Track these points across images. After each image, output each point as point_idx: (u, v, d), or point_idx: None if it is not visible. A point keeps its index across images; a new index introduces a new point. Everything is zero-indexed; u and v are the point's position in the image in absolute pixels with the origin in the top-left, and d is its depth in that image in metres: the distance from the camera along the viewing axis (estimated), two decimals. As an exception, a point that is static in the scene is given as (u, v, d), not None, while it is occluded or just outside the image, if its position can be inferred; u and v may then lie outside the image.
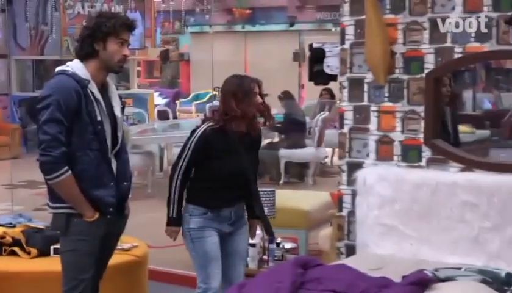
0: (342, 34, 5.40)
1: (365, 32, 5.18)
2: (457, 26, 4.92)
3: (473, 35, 4.88)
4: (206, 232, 4.75)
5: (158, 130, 12.57)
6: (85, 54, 4.17)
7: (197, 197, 4.73)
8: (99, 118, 4.11)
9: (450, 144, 5.14)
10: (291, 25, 20.75)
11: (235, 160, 4.71)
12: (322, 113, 12.33)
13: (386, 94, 5.23)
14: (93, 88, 4.11)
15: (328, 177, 12.29)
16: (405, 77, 5.15)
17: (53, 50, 15.09)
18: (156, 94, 19.05)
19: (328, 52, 13.53)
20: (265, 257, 5.57)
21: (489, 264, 4.58)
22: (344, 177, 5.43)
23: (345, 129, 5.41)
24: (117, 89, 4.43)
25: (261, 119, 4.88)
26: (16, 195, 9.91)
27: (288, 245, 6.04)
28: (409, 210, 4.93)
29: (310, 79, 14.93)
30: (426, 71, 5.06)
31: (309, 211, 6.82)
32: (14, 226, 5.83)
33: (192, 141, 4.69)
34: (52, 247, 5.48)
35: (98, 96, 4.13)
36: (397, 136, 5.20)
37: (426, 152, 5.10)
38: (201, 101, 19.41)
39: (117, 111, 4.26)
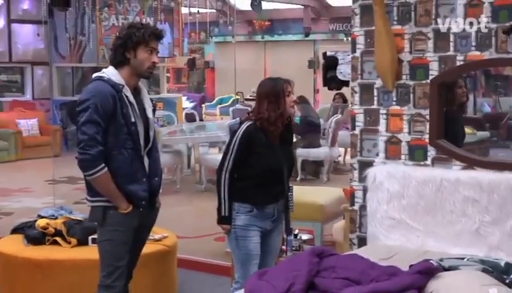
0: (353, 43, 5.38)
1: (374, 42, 5.16)
2: (459, 36, 4.90)
3: (473, 44, 4.85)
4: (251, 232, 4.65)
5: (186, 131, 12.58)
6: (118, 61, 4.19)
7: (243, 195, 4.62)
8: (132, 120, 4.12)
9: (460, 143, 5.13)
10: (307, 35, 20.72)
11: (274, 156, 4.65)
12: (335, 115, 12.30)
13: (394, 99, 5.21)
14: (127, 92, 4.13)
15: (341, 175, 12.26)
16: (411, 82, 5.12)
17: (91, 58, 15.16)
18: (184, 98, 19.08)
19: (341, 60, 13.53)
20: (284, 247, 5.55)
21: (490, 255, 4.55)
22: (356, 174, 5.41)
23: (357, 130, 5.40)
24: (148, 93, 4.44)
25: None
26: (58, 190, 9.97)
27: (304, 236, 6.02)
28: (416, 205, 4.91)
29: (324, 85, 14.91)
30: (430, 77, 5.03)
31: (324, 205, 6.81)
32: (56, 218, 5.86)
33: (236, 139, 4.58)
34: (90, 237, 5.51)
35: (132, 99, 4.15)
36: (404, 137, 5.17)
37: (431, 152, 5.07)
38: (225, 104, 19.40)
39: (149, 113, 4.28)
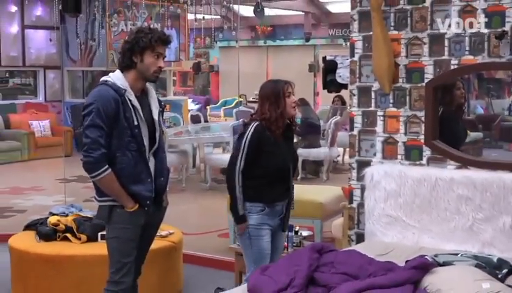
0: (352, 48, 5.37)
1: (372, 46, 5.15)
2: (453, 41, 4.89)
3: (467, 48, 4.84)
4: (263, 231, 4.61)
5: (191, 132, 12.57)
6: (125, 65, 4.16)
7: (255, 194, 4.56)
8: (135, 123, 4.09)
9: (462, 142, 5.16)
10: (307, 40, 20.70)
11: (281, 154, 4.63)
12: (334, 117, 12.28)
13: (391, 101, 5.20)
14: (130, 95, 4.10)
15: (340, 174, 12.25)
16: (407, 85, 5.11)
17: (100, 62, 15.15)
18: (189, 100, 19.06)
19: (340, 64, 13.49)
20: (285, 243, 5.53)
21: (483, 251, 4.55)
22: (354, 173, 5.40)
23: (355, 131, 5.39)
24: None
25: None
26: (69, 188, 9.97)
27: (305, 233, 6.01)
28: (412, 203, 4.90)
29: (324, 87, 14.85)
30: (426, 80, 5.02)
31: (324, 203, 6.79)
32: (66, 215, 5.86)
33: (246, 140, 4.53)
34: (99, 234, 5.51)
35: (135, 102, 4.11)
36: (401, 137, 5.16)
37: (427, 152, 5.06)
38: (228, 106, 19.40)
39: (155, 114, 4.25)
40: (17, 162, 14.13)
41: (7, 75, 16.23)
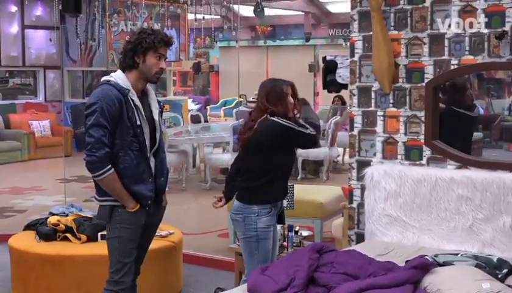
0: (352, 48, 5.38)
1: (372, 46, 5.15)
2: (453, 41, 4.89)
3: (467, 48, 4.84)
4: (270, 232, 4.60)
5: (191, 132, 12.56)
6: (126, 65, 4.16)
7: (263, 195, 4.52)
8: (138, 123, 4.10)
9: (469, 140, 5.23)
10: (307, 40, 20.69)
11: (292, 149, 4.67)
12: (334, 117, 12.27)
13: (391, 101, 5.20)
14: (133, 96, 4.10)
15: (340, 174, 12.26)
16: (407, 85, 5.12)
17: (100, 62, 15.15)
18: (189, 100, 19.04)
19: (340, 64, 13.47)
20: (285, 243, 5.54)
21: (483, 251, 4.55)
22: (354, 173, 5.40)
23: (355, 131, 5.39)
24: (155, 96, 4.41)
25: None
26: (69, 188, 9.97)
27: (305, 233, 6.01)
28: (412, 203, 4.90)
29: (324, 87, 14.84)
30: (426, 80, 5.03)
31: (324, 203, 6.79)
32: (66, 215, 5.87)
33: (286, 123, 4.51)
34: (99, 234, 5.51)
35: (137, 102, 4.12)
36: (401, 137, 5.16)
37: (427, 152, 5.06)
38: (228, 106, 19.39)
39: (155, 115, 4.25)
40: (17, 162, 14.13)
41: (7, 76, 16.23)
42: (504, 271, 3.99)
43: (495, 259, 4.13)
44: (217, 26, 15.13)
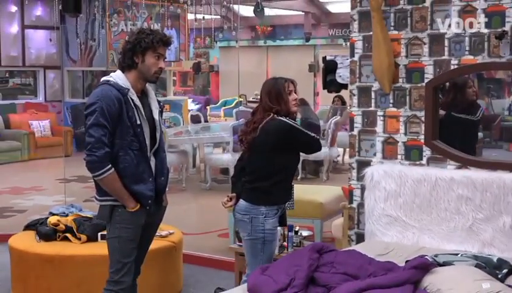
0: (352, 48, 5.37)
1: (372, 46, 5.15)
2: (453, 41, 4.89)
3: (467, 48, 4.84)
4: (276, 234, 4.61)
5: (191, 132, 12.57)
6: (126, 65, 4.16)
7: (271, 197, 4.51)
8: (138, 122, 4.10)
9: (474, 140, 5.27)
10: (307, 40, 20.69)
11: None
12: (334, 117, 12.28)
13: (391, 101, 5.20)
14: (133, 95, 4.11)
15: (340, 174, 12.26)
16: (407, 85, 5.12)
17: (100, 62, 15.14)
18: (189, 100, 19.04)
19: (340, 64, 13.45)
20: (285, 243, 5.54)
21: (483, 251, 4.55)
22: (354, 173, 5.40)
23: (355, 131, 5.39)
24: (155, 96, 4.41)
25: None
26: (69, 188, 9.97)
27: (305, 233, 6.00)
28: (412, 203, 4.90)
29: (324, 88, 14.82)
30: (426, 80, 5.03)
31: (324, 203, 6.79)
32: (66, 215, 5.86)
33: (297, 125, 4.52)
34: (99, 234, 5.51)
35: (137, 102, 4.12)
36: (401, 137, 5.16)
37: (427, 152, 5.06)
38: (228, 106, 19.38)
39: (155, 114, 4.26)
40: (17, 162, 14.13)
41: (7, 76, 16.23)
42: (504, 271, 3.99)
43: (495, 259, 4.13)
44: (217, 26, 15.13)
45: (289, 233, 5.53)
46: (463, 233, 4.69)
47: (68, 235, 5.59)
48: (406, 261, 3.99)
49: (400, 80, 5.14)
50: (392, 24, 5.14)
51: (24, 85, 16.50)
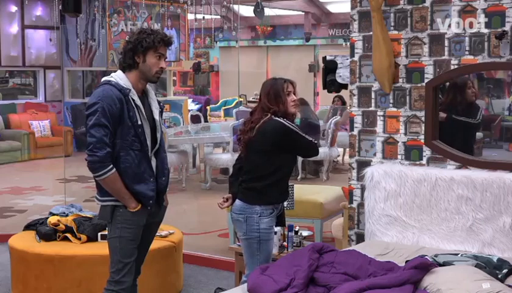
0: (352, 48, 5.38)
1: (372, 46, 5.15)
2: (453, 41, 4.89)
3: (467, 48, 4.84)
4: (272, 233, 4.59)
5: (191, 132, 12.57)
6: (127, 65, 4.16)
7: (266, 196, 4.50)
8: (139, 122, 4.10)
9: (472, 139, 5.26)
10: (307, 40, 20.69)
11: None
12: (334, 117, 12.28)
13: (391, 101, 5.20)
14: (134, 95, 4.11)
15: (340, 174, 12.26)
16: (408, 85, 5.12)
17: (100, 62, 15.15)
18: (189, 100, 19.05)
19: (340, 64, 13.45)
20: (285, 243, 5.54)
21: (483, 251, 4.55)
22: (354, 173, 5.40)
23: (355, 131, 5.39)
24: (155, 96, 4.41)
25: None
26: (69, 188, 9.97)
27: (305, 233, 6.01)
28: (412, 203, 4.90)
29: (324, 87, 14.83)
30: (426, 80, 5.03)
31: (324, 203, 6.79)
32: (66, 215, 5.87)
33: (295, 128, 4.49)
34: (99, 234, 5.51)
35: (138, 102, 4.12)
36: (401, 138, 5.17)
37: (427, 152, 5.06)
38: (229, 106, 19.40)
39: (156, 115, 4.26)
40: (17, 162, 14.14)
41: (7, 76, 16.24)
42: (504, 271, 3.99)
43: (495, 259, 4.13)
44: (217, 26, 15.15)
45: (289, 233, 5.54)
46: (463, 233, 4.70)
47: (68, 235, 5.60)
48: (406, 261, 3.99)
49: (400, 80, 5.14)
50: (392, 24, 5.14)
51: (24, 85, 16.51)
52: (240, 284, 4.76)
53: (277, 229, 5.22)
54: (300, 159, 11.35)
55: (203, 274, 6.53)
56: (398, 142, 5.18)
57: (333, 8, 20.69)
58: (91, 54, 15.51)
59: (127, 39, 4.27)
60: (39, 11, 15.82)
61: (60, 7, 11.34)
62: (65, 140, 14.19)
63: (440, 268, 3.87)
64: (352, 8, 5.34)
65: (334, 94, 14.34)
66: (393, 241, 4.89)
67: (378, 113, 5.26)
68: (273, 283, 3.78)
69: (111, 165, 4.02)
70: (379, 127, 5.26)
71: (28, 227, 6.01)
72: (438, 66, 4.98)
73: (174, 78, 20.97)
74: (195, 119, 14.30)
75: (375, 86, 5.26)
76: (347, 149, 9.25)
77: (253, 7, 14.67)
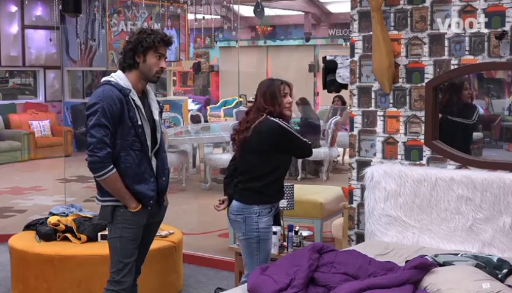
0: (352, 48, 5.38)
1: (372, 46, 5.15)
2: (453, 41, 4.89)
3: (467, 48, 4.84)
4: (270, 233, 4.59)
5: (191, 132, 12.57)
6: (127, 65, 4.16)
7: (264, 196, 4.50)
8: (139, 122, 4.10)
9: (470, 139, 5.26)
10: (307, 40, 20.69)
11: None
12: (334, 117, 12.28)
13: (391, 101, 5.20)
14: (134, 96, 4.11)
15: (340, 174, 12.26)
16: (408, 85, 5.12)
17: (100, 62, 15.15)
18: (189, 100, 19.06)
19: (340, 64, 13.46)
20: (285, 243, 5.54)
21: (483, 251, 4.55)
22: (354, 173, 5.40)
23: (355, 131, 5.39)
24: (155, 96, 4.41)
25: None
26: (69, 188, 9.97)
27: (305, 233, 6.01)
28: (412, 203, 4.90)
29: (324, 87, 14.83)
30: (426, 80, 5.03)
31: (324, 203, 6.79)
32: (66, 215, 5.87)
33: (290, 128, 4.52)
34: (99, 234, 5.51)
35: (138, 102, 4.12)
36: (401, 138, 5.17)
37: (427, 152, 5.06)
38: (229, 106, 19.40)
39: (155, 115, 4.26)
40: (17, 162, 14.14)
41: (7, 76, 16.24)
42: (504, 271, 3.99)
43: (495, 259, 4.13)
44: (217, 26, 15.15)
45: (289, 233, 5.54)
46: (463, 233, 4.70)
47: (68, 235, 5.60)
48: (406, 261, 3.99)
49: (400, 80, 5.14)
50: (392, 24, 5.14)
51: (24, 85, 16.51)
52: (240, 284, 4.76)
53: (277, 229, 5.22)
54: (299, 159, 11.35)
55: (203, 274, 6.53)
56: (398, 142, 5.18)
57: (333, 8, 20.70)
58: (91, 54, 15.51)
59: (127, 39, 4.27)
60: (39, 11, 15.83)
61: (60, 7, 11.34)
62: (65, 140, 14.19)
63: (440, 268, 3.87)
64: (352, 8, 5.34)
65: (334, 94, 14.33)
66: (393, 241, 4.89)
67: (378, 113, 5.26)
68: (273, 283, 3.78)
69: (112, 165, 4.02)
70: (379, 127, 5.26)
71: (28, 227, 6.01)
72: (438, 66, 4.98)
73: (174, 78, 20.97)
74: (195, 119, 14.30)
75: (375, 86, 5.26)
76: (347, 149, 9.25)
77: (253, 7, 14.67)
